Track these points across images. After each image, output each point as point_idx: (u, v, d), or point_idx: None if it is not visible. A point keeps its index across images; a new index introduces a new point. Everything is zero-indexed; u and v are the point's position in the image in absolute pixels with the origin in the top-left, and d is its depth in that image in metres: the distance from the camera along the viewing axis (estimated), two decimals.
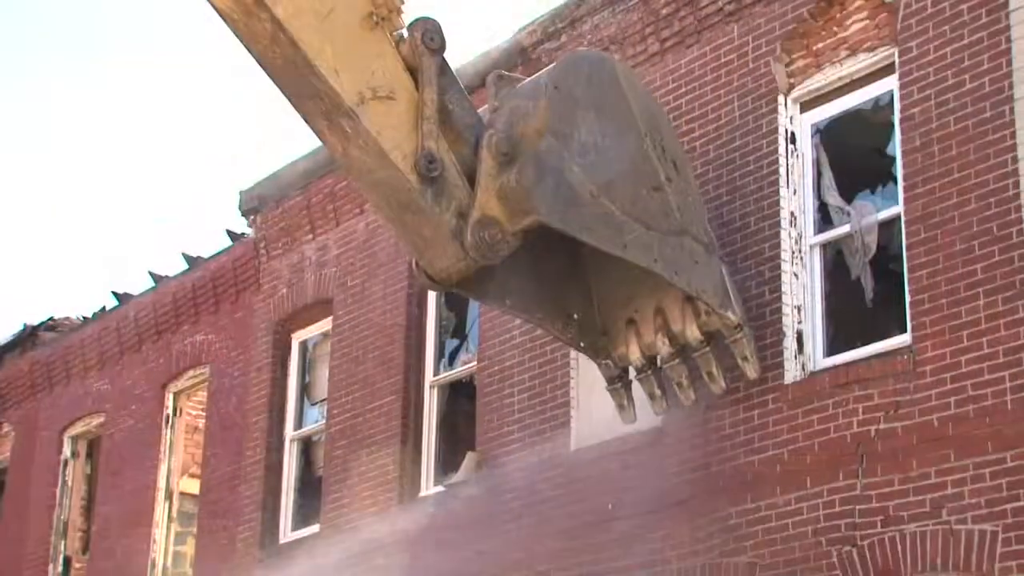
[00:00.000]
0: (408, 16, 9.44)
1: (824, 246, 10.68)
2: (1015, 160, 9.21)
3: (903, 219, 9.87)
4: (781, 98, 10.77)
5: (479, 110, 9.84)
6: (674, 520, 10.61)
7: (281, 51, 9.04)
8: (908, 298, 9.73)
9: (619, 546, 10.91)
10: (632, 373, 10.77)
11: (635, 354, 10.55)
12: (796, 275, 10.48)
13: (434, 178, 9.33)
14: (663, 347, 10.43)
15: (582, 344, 10.66)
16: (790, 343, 10.32)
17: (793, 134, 10.76)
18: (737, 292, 10.33)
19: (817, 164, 10.80)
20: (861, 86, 10.49)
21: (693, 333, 10.28)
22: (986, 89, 9.47)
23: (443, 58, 9.49)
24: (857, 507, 9.54)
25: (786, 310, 10.37)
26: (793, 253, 10.54)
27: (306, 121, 9.44)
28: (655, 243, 9.87)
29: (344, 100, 9.12)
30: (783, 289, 10.41)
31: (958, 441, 9.10)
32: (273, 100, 42.38)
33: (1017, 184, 9.17)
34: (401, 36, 9.42)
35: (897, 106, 10.09)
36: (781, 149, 10.72)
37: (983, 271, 9.25)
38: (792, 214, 10.63)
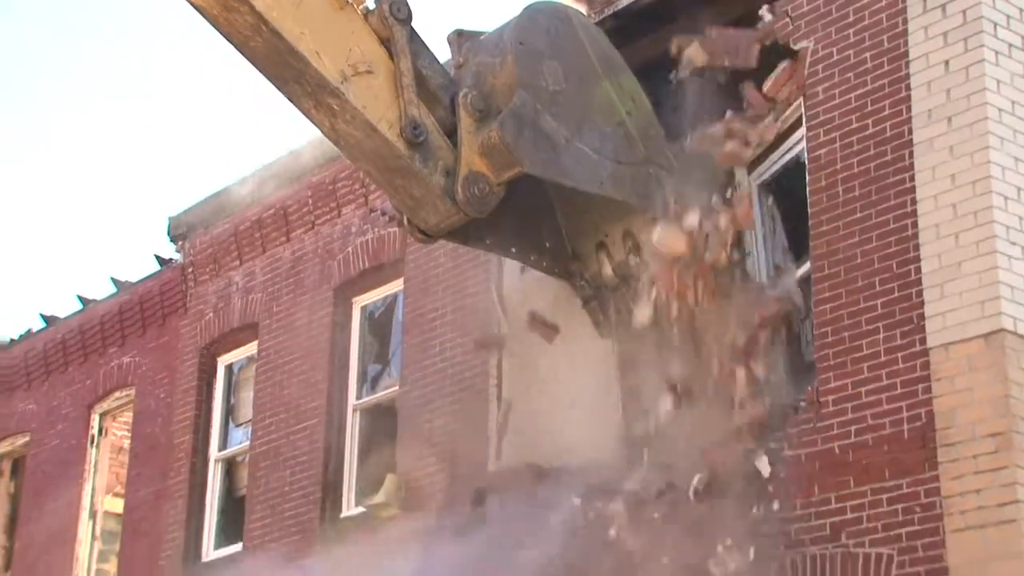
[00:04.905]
0: None
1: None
2: (914, 201, 9.38)
3: (811, 254, 10.02)
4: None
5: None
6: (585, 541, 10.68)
7: (263, 40, 9.32)
8: (813, 331, 9.89)
9: (535, 564, 10.96)
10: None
11: (608, 272, 10.94)
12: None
13: (420, 143, 9.72)
14: (636, 264, 10.75)
15: (556, 270, 11.13)
16: None
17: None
18: None
19: (771, 223, 10.78)
20: (785, 139, 10.56)
21: None
22: (887, 133, 9.64)
23: (411, 27, 9.86)
24: (762, 530, 9.65)
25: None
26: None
27: (292, 102, 9.73)
28: (627, 176, 10.30)
29: (329, 80, 9.44)
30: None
31: (857, 468, 9.24)
32: (204, 129, 42.20)
33: (916, 224, 9.35)
34: (367, 9, 9.76)
35: (805, 147, 10.25)
36: None
37: (883, 306, 9.40)
38: (749, 276, 10.57)
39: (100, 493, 16.43)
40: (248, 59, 9.54)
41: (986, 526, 8.54)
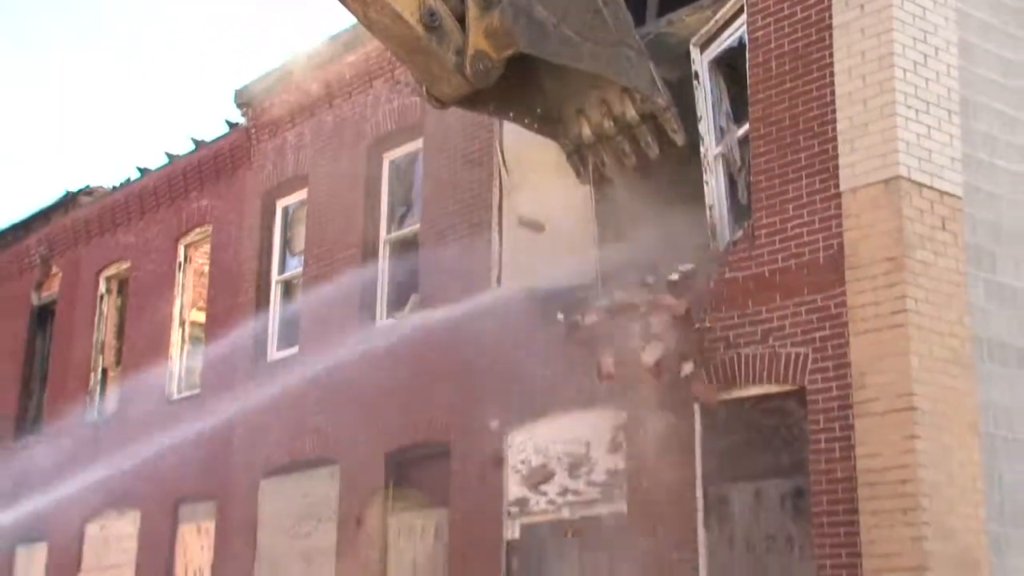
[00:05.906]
0: None
1: (724, 156, 10.33)
2: (832, 74, 9.17)
3: (749, 117, 9.76)
4: None
5: None
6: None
7: None
8: (750, 178, 9.68)
9: (532, 358, 10.92)
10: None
11: (587, 132, 10.84)
12: (708, 183, 10.24)
13: (435, 27, 9.61)
14: (609, 126, 10.61)
15: (545, 130, 11.00)
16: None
17: (697, 72, 10.48)
18: (663, 82, 10.40)
19: (718, 92, 10.48)
20: (730, 24, 10.22)
21: (631, 113, 10.53)
22: (812, 19, 9.38)
23: None
24: (707, 336, 9.60)
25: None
26: (706, 163, 10.30)
27: None
28: (602, 54, 10.13)
29: None
30: (704, 192, 10.17)
31: (782, 287, 9.18)
32: (266, 19, 41.40)
33: (833, 92, 9.14)
34: None
35: (746, 30, 9.91)
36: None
37: (806, 159, 9.25)
38: (701, 136, 10.38)
39: (187, 307, 16.40)
40: None
41: (881, 330, 8.51)
